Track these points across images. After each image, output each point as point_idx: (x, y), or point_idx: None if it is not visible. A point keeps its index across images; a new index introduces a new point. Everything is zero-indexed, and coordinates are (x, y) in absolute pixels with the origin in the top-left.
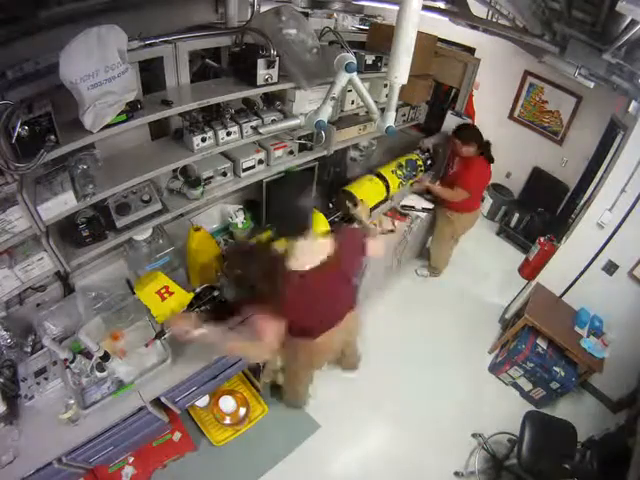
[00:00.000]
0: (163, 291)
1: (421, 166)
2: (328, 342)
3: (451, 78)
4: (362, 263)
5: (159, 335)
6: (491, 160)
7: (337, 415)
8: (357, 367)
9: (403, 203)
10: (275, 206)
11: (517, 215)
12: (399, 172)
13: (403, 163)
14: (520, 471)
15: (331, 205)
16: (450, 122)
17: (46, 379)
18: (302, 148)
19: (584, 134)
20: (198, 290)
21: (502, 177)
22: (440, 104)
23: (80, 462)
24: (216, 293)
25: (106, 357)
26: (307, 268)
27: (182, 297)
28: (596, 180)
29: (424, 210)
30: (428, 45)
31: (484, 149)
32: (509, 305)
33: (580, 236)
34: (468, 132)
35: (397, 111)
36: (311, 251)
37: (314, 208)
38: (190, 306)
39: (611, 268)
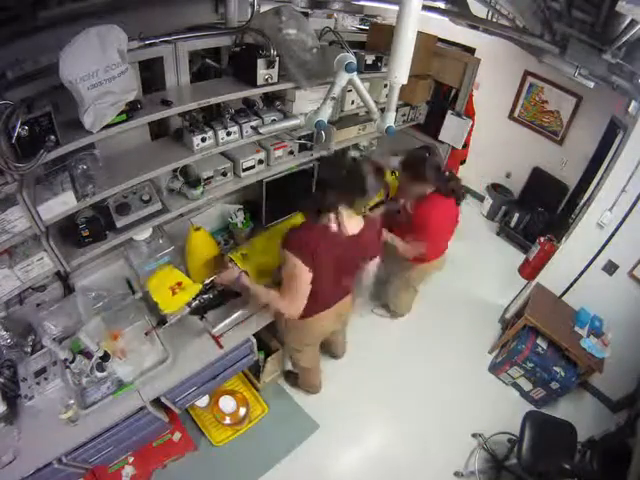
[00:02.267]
0: (175, 286)
1: None
2: (330, 318)
3: (451, 78)
4: (378, 250)
5: (160, 324)
6: (456, 197)
7: (336, 415)
8: (342, 355)
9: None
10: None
11: (517, 215)
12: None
13: None
14: (520, 471)
15: None
16: (450, 122)
17: (46, 379)
18: (302, 148)
19: (584, 134)
20: (207, 282)
21: (502, 177)
22: (440, 104)
23: (80, 462)
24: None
25: (106, 357)
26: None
27: (191, 288)
28: (596, 180)
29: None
30: (428, 45)
31: (440, 184)
32: (509, 305)
33: (580, 236)
34: (408, 164)
35: (397, 111)
36: (352, 221)
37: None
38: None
39: (611, 268)
